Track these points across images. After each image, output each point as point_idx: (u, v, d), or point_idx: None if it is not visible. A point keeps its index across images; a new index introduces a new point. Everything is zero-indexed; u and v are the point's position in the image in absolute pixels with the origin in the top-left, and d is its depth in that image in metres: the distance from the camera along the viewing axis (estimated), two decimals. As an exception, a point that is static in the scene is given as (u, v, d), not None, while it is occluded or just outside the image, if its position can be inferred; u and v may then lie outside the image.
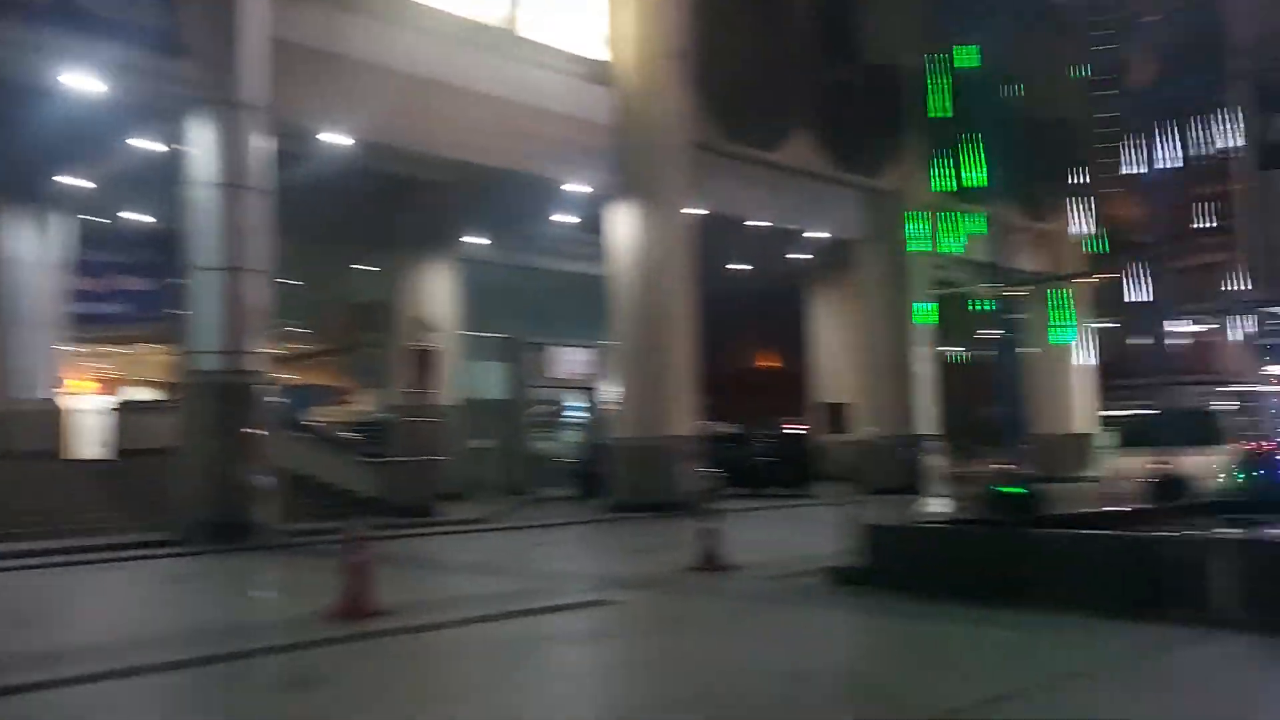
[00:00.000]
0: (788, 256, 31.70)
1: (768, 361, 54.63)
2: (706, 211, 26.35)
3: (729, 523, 12.04)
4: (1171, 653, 6.47)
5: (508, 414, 28.05)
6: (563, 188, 21.66)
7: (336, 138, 17.73)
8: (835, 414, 28.96)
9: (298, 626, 8.25)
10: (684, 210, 22.04)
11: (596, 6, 21.70)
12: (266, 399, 15.57)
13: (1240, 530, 9.29)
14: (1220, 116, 25.77)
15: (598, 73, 21.47)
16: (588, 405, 29.92)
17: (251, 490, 14.90)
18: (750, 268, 34.59)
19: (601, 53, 21.63)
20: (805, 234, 29.44)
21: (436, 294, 24.74)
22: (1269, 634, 6.79)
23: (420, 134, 18.75)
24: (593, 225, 22.66)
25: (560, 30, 21.13)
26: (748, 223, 28.53)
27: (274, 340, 17.06)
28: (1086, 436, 34.26)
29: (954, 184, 26.70)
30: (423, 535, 16.99)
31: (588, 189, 21.62)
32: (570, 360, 29.63)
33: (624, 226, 21.68)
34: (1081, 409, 34.41)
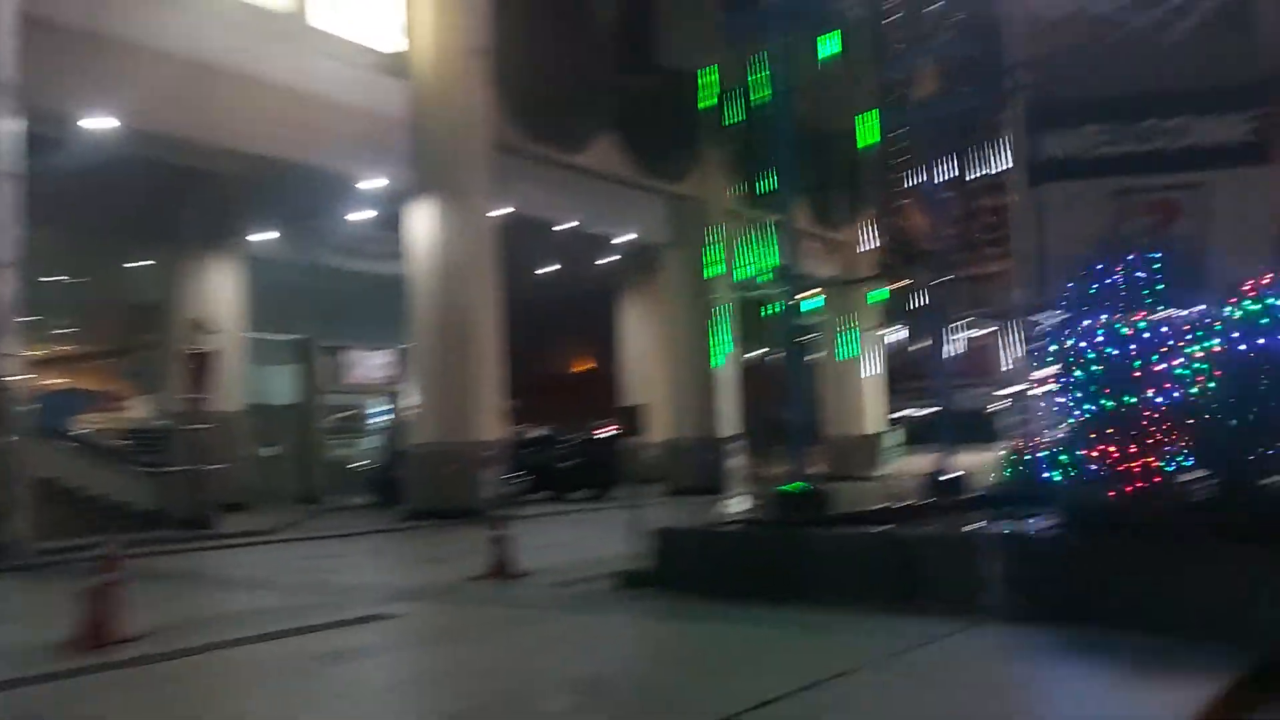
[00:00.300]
0: (598, 261, 31.96)
1: (583, 365, 54.70)
2: (512, 212, 26.17)
3: (528, 528, 11.85)
4: (928, 647, 6.66)
5: (299, 420, 26.88)
6: (358, 184, 20.91)
7: (103, 123, 16.43)
8: (633, 416, 28.99)
9: (27, 658, 7.46)
10: (487, 211, 21.64)
11: (394, -3, 21.03)
12: (18, 405, 14.21)
13: (1000, 524, 9.78)
14: (1000, 134, 27.51)
15: (394, 66, 20.82)
16: (388, 410, 29.06)
17: (-1, 506, 13.57)
18: (563, 271, 34.64)
19: (398, 45, 20.99)
20: (613, 238, 29.64)
21: (221, 293, 23.44)
22: (1022, 624, 7.11)
23: (200, 123, 17.63)
24: (392, 224, 21.97)
25: (354, 20, 20.38)
26: (557, 226, 28.54)
27: (29, 341, 15.61)
28: (877, 437, 36.01)
29: (751, 191, 27.43)
30: (201, 550, 16.02)
31: (384, 185, 20.94)
32: (369, 364, 28.70)
33: (423, 226, 21.09)
34: (873, 411, 36.09)
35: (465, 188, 21.00)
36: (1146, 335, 8.28)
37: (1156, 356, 8.12)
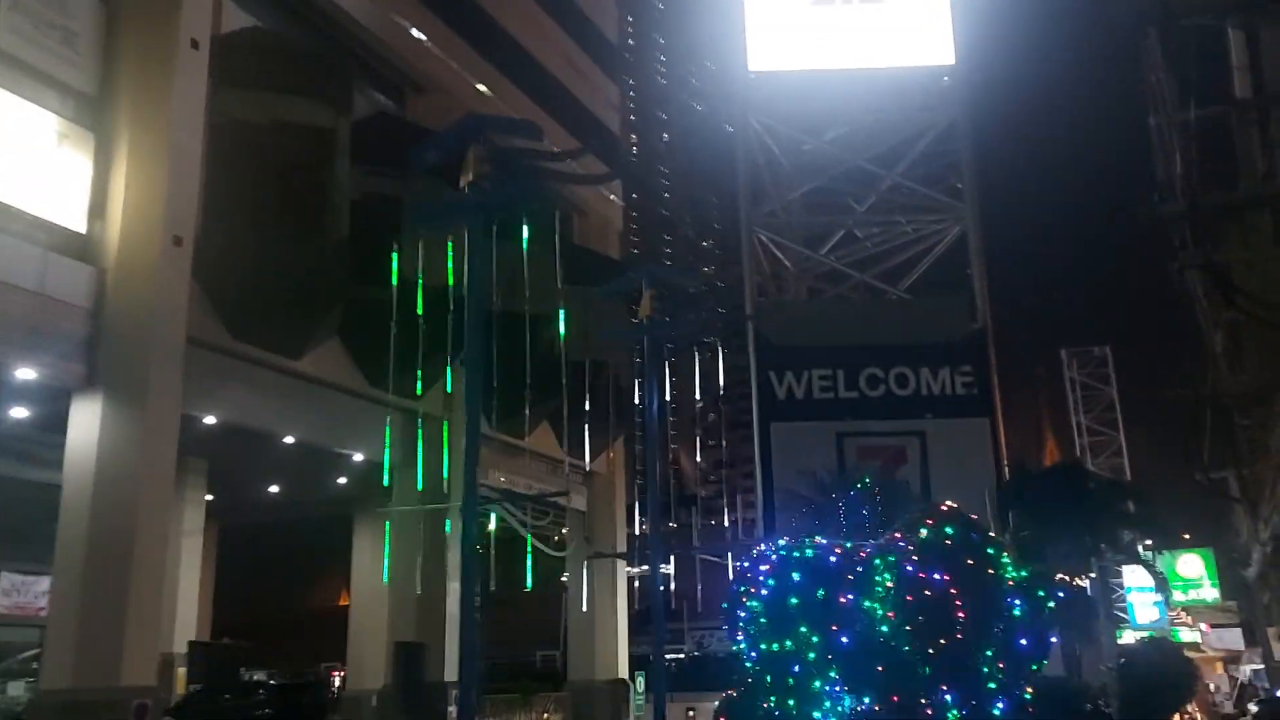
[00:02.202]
0: (338, 481, 29.37)
1: (325, 599, 49.90)
2: (215, 421, 23.49)
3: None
4: None
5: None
6: (16, 374, 17.98)
7: None
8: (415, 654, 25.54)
9: None
10: (174, 413, 19.00)
11: (81, 173, 18.93)
12: None
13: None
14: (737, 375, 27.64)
15: (75, 247, 18.51)
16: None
17: None
18: (299, 493, 31.72)
19: (84, 225, 18.76)
20: (347, 455, 27.33)
21: None
22: None
23: None
24: (59, 425, 18.93)
25: (33, 192, 18.10)
26: (282, 438, 25.99)
27: None
28: (625, 684, 33.64)
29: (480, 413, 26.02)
30: None
31: (50, 376, 18.09)
32: (28, 590, 24.39)
33: (89, 424, 18.19)
34: (621, 653, 33.85)
35: (148, 385, 18.39)
36: (829, 565, 6.98)
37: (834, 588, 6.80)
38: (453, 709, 26.79)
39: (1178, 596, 43.82)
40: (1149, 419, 54.62)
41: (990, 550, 6.75)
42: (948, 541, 6.66)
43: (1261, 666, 33.42)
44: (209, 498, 31.38)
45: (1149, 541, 43.30)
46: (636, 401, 33.62)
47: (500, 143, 12.64)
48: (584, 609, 32.30)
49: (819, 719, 6.47)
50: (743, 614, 6.79)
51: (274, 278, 20.69)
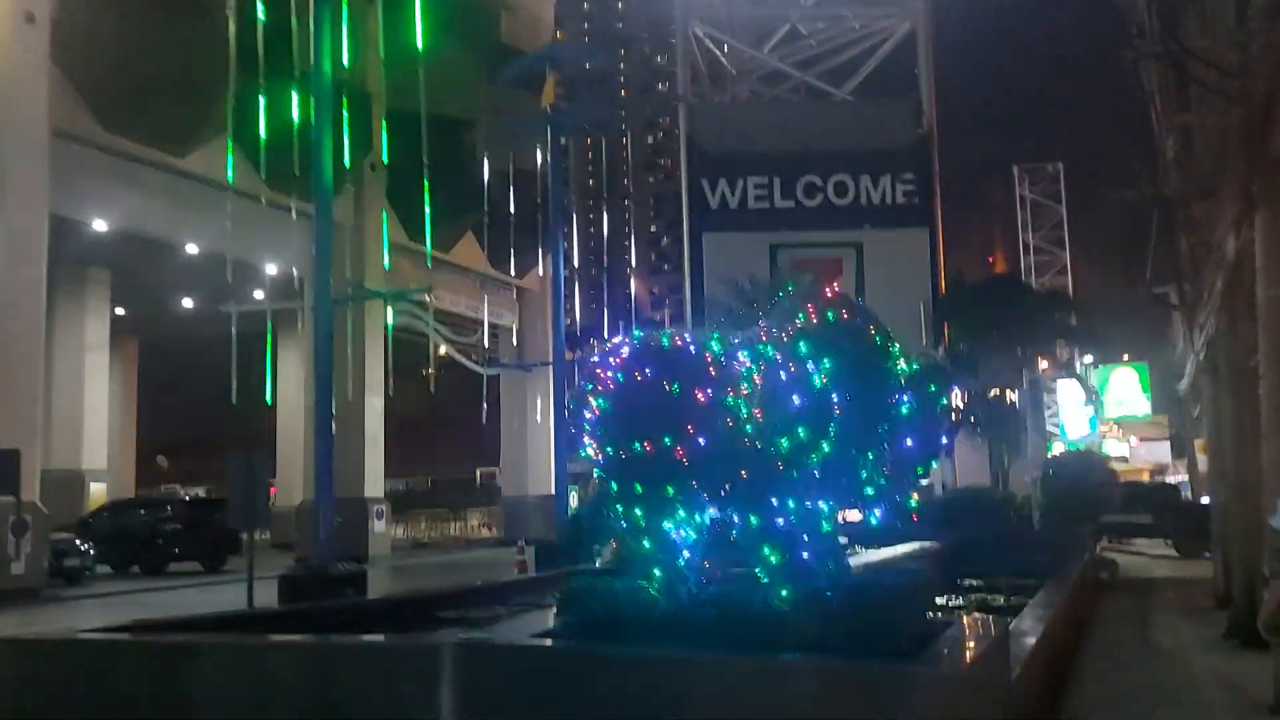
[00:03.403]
0: (254, 294, 27.98)
1: (255, 418, 49.13)
2: (107, 227, 21.87)
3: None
4: None
5: None
6: None
7: None
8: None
9: None
10: (41, 208, 17.35)
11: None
12: None
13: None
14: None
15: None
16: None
17: None
18: (213, 309, 30.33)
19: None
20: (255, 266, 25.85)
21: None
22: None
23: None
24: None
25: None
26: (189, 248, 24.43)
27: None
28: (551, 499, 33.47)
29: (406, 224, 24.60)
30: None
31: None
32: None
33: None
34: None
35: (5, 178, 16.66)
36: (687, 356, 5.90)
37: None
38: (379, 523, 26.52)
39: (1111, 411, 44.40)
40: (1095, 240, 54.17)
41: (879, 340, 5.62)
42: (829, 329, 5.53)
43: (1185, 478, 34.01)
44: (120, 311, 29.97)
45: (1089, 358, 43.63)
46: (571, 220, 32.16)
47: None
48: (514, 426, 31.80)
49: (671, 531, 5.48)
50: (589, 415, 5.68)
51: (145, 63, 18.67)
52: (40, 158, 17.13)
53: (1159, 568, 20.28)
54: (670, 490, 5.80)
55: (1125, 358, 47.62)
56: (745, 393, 5.73)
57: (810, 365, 5.77)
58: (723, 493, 5.85)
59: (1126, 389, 47.56)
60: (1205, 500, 17.36)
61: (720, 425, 5.70)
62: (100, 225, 21.96)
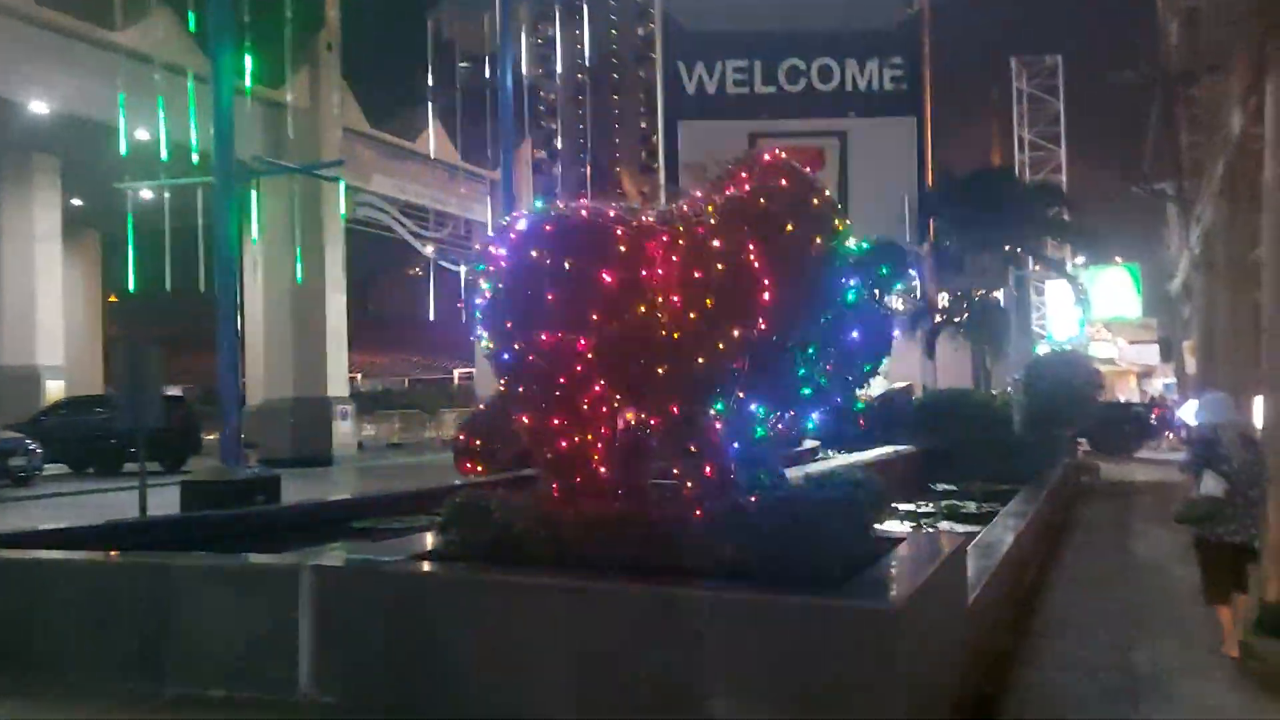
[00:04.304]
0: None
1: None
2: (47, 109, 20.56)
3: None
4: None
5: None
6: None
7: None
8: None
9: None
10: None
11: None
12: None
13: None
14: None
15: None
16: None
17: None
18: (176, 199, 28.99)
19: None
20: (207, 150, 24.48)
21: None
22: None
23: None
24: None
25: None
26: (137, 133, 23.05)
27: None
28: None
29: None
30: None
31: None
32: None
33: None
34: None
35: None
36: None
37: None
38: (343, 424, 25.76)
39: (1100, 312, 43.58)
40: (1093, 137, 52.58)
41: (823, 215, 4.67)
42: (763, 201, 4.59)
43: (1174, 380, 33.42)
44: (77, 202, 28.72)
45: (1080, 259, 42.63)
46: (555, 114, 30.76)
47: None
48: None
49: (575, 437, 4.64)
50: (479, 301, 4.77)
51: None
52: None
53: (1140, 471, 19.81)
54: (572, 390, 4.96)
55: (1117, 260, 46.58)
56: (660, 274, 4.84)
57: (741, 241, 4.84)
58: (635, 393, 5.02)
59: (1117, 289, 46.71)
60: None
61: (631, 313, 4.83)
62: (40, 107, 20.68)
